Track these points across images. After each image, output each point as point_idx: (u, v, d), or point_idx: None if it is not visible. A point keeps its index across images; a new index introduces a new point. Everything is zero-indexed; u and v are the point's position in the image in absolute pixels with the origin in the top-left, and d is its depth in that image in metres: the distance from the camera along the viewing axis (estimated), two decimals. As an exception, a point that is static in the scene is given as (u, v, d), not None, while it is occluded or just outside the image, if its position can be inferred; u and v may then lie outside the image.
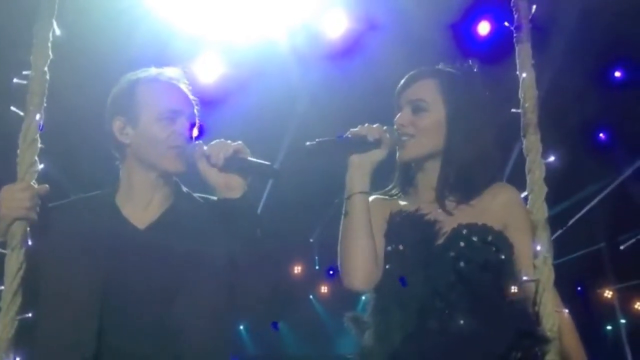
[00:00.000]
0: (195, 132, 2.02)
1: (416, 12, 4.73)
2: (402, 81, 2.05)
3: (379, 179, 2.01)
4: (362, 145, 1.90)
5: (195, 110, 2.03)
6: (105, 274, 1.84)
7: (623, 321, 9.45)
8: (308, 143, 1.88)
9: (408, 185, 2.06)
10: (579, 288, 9.11)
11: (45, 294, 1.85)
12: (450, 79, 2.00)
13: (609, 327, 9.72)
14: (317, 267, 9.53)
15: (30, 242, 1.75)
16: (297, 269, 9.73)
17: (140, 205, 1.97)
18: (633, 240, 7.81)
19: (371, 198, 2.00)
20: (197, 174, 1.96)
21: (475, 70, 2.05)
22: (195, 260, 1.89)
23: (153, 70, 2.02)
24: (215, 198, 1.99)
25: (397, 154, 2.00)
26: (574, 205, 7.34)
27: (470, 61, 2.04)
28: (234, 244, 1.90)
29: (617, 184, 7.06)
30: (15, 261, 1.72)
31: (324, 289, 10.04)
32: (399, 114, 2.00)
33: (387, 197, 2.06)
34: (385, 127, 1.94)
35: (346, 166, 1.91)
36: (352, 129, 1.92)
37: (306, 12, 4.90)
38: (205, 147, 1.93)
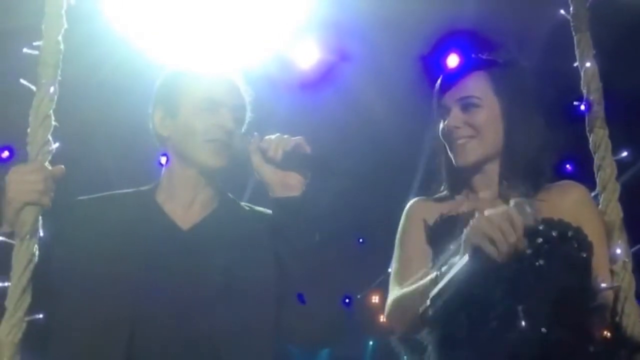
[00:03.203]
0: (241, 126, 1.81)
1: (387, 44, 4.83)
2: (441, 80, 1.82)
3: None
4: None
5: (246, 103, 1.82)
6: (140, 276, 1.60)
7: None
8: None
9: (460, 187, 1.83)
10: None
11: (65, 295, 1.60)
12: (498, 69, 1.80)
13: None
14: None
15: (42, 233, 1.51)
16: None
17: (183, 204, 1.76)
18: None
19: (412, 201, 1.82)
20: (243, 183, 1.77)
21: (517, 56, 1.87)
22: (241, 269, 1.66)
23: (197, 61, 1.86)
24: (262, 209, 1.80)
25: (455, 159, 1.77)
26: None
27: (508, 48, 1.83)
28: (288, 252, 1.68)
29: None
30: (25, 253, 1.47)
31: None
32: (448, 118, 1.78)
33: (431, 198, 1.84)
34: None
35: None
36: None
37: (279, 43, 4.98)
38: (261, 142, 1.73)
